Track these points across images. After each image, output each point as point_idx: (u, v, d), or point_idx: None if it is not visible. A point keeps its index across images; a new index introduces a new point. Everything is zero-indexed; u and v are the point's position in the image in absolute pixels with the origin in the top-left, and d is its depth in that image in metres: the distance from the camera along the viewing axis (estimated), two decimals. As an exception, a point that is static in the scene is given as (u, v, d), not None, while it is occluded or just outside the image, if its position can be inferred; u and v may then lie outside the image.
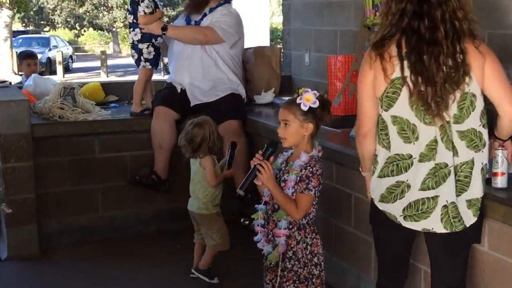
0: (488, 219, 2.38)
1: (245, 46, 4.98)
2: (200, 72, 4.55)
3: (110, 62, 23.51)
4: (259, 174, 2.61)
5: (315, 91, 2.62)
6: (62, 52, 21.39)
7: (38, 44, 22.72)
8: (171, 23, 4.80)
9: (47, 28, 33.72)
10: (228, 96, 4.52)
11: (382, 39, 2.24)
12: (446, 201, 2.24)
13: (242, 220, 3.61)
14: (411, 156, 2.25)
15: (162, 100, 4.49)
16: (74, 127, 4.33)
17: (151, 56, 4.47)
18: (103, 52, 21.93)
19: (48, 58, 21.58)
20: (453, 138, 2.23)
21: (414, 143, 2.24)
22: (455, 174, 2.23)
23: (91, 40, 38.98)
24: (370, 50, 2.29)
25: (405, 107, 2.24)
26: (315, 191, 2.62)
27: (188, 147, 3.54)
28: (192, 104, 4.52)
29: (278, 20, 27.88)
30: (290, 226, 2.68)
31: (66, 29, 34.68)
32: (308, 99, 2.60)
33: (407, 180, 2.26)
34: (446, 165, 2.22)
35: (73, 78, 18.70)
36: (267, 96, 5.08)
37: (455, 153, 2.23)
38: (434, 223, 2.26)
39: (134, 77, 4.88)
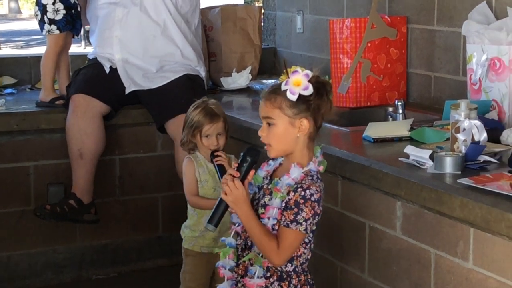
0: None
1: (207, 4, 5.01)
2: (138, 43, 4.57)
3: (4, 26, 23.36)
4: (222, 194, 2.60)
5: (308, 71, 2.60)
6: None
7: None
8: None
9: None
10: (182, 79, 4.53)
11: None
12: None
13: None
14: None
15: (82, 84, 4.47)
16: (-50, 124, 4.32)
17: (60, 16, 4.46)
18: (-6, 12, 21.87)
19: None
20: None
21: None
22: None
23: (-25, -6, 38.69)
24: None
25: None
26: (307, 226, 2.59)
27: None
28: (127, 91, 4.52)
29: (257, -35, 27.95)
30: (268, 274, 2.66)
31: None
32: (297, 83, 2.58)
33: None
34: None
35: (-51, 50, 18.54)
36: (240, 79, 5.11)
37: None
38: None
39: (42, 49, 4.85)
